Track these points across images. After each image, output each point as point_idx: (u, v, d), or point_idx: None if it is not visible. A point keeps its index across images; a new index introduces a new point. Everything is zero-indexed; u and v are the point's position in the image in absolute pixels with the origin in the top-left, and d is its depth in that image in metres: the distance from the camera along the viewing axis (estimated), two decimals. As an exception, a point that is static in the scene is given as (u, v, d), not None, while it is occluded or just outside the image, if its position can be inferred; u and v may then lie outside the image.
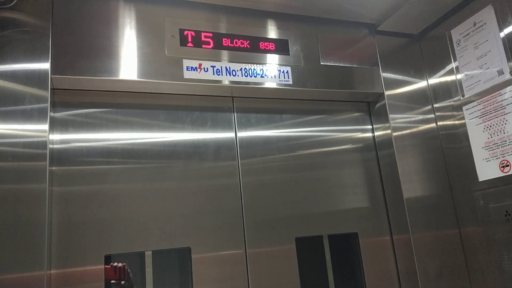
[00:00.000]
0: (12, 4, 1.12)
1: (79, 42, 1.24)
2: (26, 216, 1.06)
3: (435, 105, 1.67)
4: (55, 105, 1.26)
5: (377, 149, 1.67)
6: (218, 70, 1.40)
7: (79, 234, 1.21)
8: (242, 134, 1.49)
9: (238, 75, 1.42)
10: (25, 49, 1.15)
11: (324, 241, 1.51)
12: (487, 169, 1.43)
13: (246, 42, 1.46)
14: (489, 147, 1.42)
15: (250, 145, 1.48)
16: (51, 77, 1.18)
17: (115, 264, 1.24)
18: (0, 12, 1.15)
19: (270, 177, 1.48)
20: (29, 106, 1.13)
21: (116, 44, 1.28)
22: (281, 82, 1.48)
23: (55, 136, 1.25)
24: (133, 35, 1.32)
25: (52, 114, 1.21)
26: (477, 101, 1.47)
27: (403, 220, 1.51)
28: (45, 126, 1.13)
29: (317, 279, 1.49)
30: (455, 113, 1.57)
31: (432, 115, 1.66)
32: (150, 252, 1.28)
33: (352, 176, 1.60)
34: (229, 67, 1.41)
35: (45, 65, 1.17)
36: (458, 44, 1.56)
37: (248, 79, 1.43)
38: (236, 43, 1.45)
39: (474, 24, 1.49)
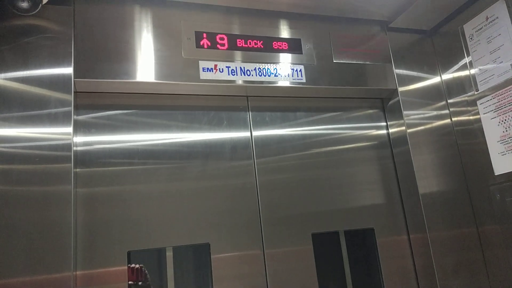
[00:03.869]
0: (36, 11, 1.22)
1: (99, 46, 1.33)
2: (52, 218, 1.14)
3: (449, 101, 1.73)
4: (78, 108, 1.36)
5: (392, 146, 1.74)
6: (233, 71, 1.49)
7: (103, 233, 1.29)
8: (257, 132, 1.57)
9: (252, 75, 1.51)
10: (49, 55, 1.25)
11: (340, 237, 1.59)
12: (503, 163, 1.49)
13: (259, 42, 1.55)
14: (505, 140, 1.49)
15: (265, 143, 1.57)
16: (74, 81, 1.27)
17: (133, 265, 1.33)
18: (25, 20, 1.25)
19: (286, 175, 1.56)
20: (54, 110, 1.22)
21: (135, 48, 1.38)
22: (294, 81, 1.56)
23: (79, 138, 1.35)
24: (151, 38, 1.41)
25: (75, 117, 1.30)
26: (491, 95, 1.54)
27: (419, 216, 1.57)
28: (69, 129, 1.22)
29: (335, 275, 1.56)
30: (469, 108, 1.63)
31: (447, 111, 1.72)
32: (171, 248, 1.36)
33: (368, 173, 1.67)
34: (244, 67, 1.50)
35: (68, 70, 1.26)
36: (471, 38, 1.63)
37: (262, 78, 1.52)
38: (250, 43, 1.54)
39: (487, 19, 1.56)
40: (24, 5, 1.18)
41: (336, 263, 1.57)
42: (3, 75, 1.20)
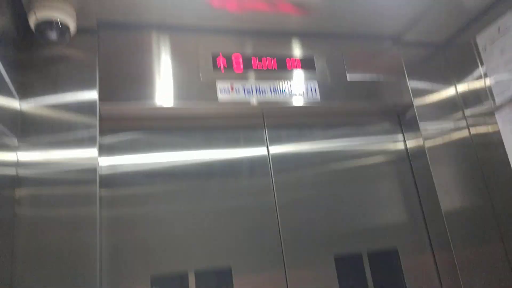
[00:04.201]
0: (67, 41, 1.30)
1: (122, 72, 1.40)
2: (79, 240, 1.17)
3: (466, 113, 1.73)
4: (102, 132, 1.41)
5: (411, 160, 1.73)
6: (248, 90, 1.54)
7: (126, 256, 1.32)
8: (274, 150, 1.60)
9: (267, 94, 1.55)
10: (75, 81, 1.32)
11: (364, 260, 1.55)
12: (526, 174, 1.48)
13: (273, 62, 1.61)
14: (527, 151, 1.48)
15: (282, 161, 1.59)
16: (99, 105, 1.33)
17: None
18: (53, 49, 1.33)
19: (304, 193, 1.57)
20: (80, 134, 1.28)
21: (155, 73, 1.44)
22: (309, 99, 1.60)
23: (103, 161, 1.40)
24: (170, 63, 1.48)
25: (100, 140, 1.36)
26: (508, 107, 1.55)
27: (444, 234, 1.54)
28: (95, 152, 1.27)
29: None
30: (487, 119, 1.64)
31: (464, 123, 1.72)
32: (193, 272, 1.37)
33: (387, 189, 1.66)
34: (259, 87, 1.55)
35: (93, 95, 1.33)
36: (484, 50, 1.65)
37: (277, 97, 1.56)
38: (264, 63, 1.59)
39: (499, 30, 1.59)
40: (53, 36, 1.26)
41: (360, 284, 1.54)
42: (33, 101, 1.27)
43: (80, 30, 1.35)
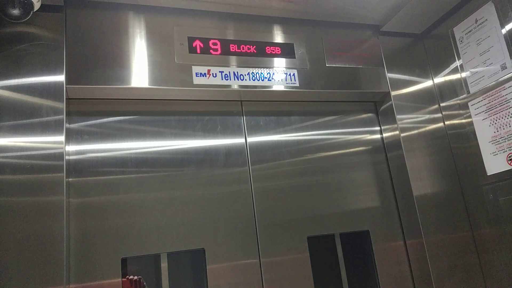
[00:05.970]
0: (27, 18, 1.24)
1: (92, 53, 1.35)
2: (45, 229, 1.14)
3: (441, 104, 1.78)
4: (70, 116, 1.37)
5: (386, 150, 1.78)
6: (226, 75, 1.52)
7: (96, 242, 1.30)
8: (252, 137, 1.61)
9: (246, 79, 1.54)
10: (41, 62, 1.26)
11: (336, 240, 1.62)
12: (494, 163, 1.55)
13: (252, 47, 1.59)
14: (496, 141, 1.55)
15: (260, 149, 1.59)
16: (66, 87, 1.28)
17: (131, 277, 1.33)
18: (16, 27, 1.27)
19: (281, 181, 1.59)
20: (46, 118, 1.23)
21: (128, 54, 1.40)
22: (288, 85, 1.60)
23: (71, 147, 1.36)
24: (144, 44, 1.44)
25: (67, 125, 1.31)
26: (482, 97, 1.60)
27: (414, 219, 1.61)
28: (62, 137, 1.23)
29: (331, 277, 1.59)
30: (461, 111, 1.68)
31: (439, 115, 1.77)
32: (166, 255, 1.38)
33: (362, 177, 1.71)
34: (237, 72, 1.54)
35: (60, 77, 1.28)
36: (461, 41, 1.70)
37: (256, 83, 1.56)
38: (243, 48, 1.58)
39: (476, 21, 1.63)
40: (15, 12, 1.20)
41: (332, 266, 1.60)
42: (-8, 83, 1.22)
43: (45, 6, 1.28)
